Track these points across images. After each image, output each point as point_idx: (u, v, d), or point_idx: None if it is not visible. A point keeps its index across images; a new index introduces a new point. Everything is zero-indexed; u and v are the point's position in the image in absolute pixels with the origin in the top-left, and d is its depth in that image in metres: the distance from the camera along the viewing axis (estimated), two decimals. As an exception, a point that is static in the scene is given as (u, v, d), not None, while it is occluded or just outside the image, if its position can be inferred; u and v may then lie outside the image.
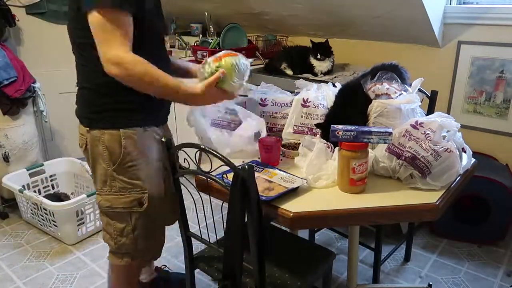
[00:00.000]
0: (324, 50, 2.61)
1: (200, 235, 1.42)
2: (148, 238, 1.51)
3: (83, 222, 2.46)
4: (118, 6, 1.19)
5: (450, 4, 2.42)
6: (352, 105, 1.51)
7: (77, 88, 1.43)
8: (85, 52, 1.33)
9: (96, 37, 1.22)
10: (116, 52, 1.21)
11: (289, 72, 2.71)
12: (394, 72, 1.55)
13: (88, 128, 1.39)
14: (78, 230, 2.43)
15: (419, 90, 1.71)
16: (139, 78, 1.25)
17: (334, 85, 1.78)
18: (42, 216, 2.46)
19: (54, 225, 2.41)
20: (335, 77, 2.58)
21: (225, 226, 1.17)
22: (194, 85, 1.36)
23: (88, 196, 2.39)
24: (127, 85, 1.27)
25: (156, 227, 1.54)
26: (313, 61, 2.62)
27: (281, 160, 1.52)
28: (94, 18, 1.20)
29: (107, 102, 1.35)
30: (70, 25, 1.38)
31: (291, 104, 1.71)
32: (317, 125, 1.55)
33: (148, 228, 1.49)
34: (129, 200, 1.42)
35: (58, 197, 2.69)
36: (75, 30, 1.35)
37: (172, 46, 3.55)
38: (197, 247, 1.53)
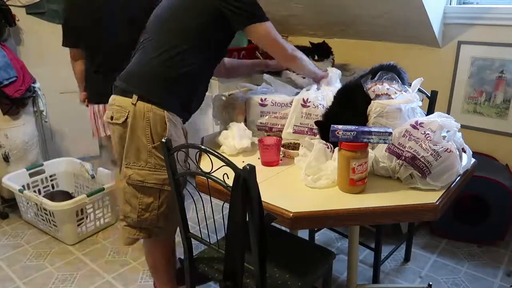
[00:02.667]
0: (322, 51, 2.61)
1: (200, 235, 1.42)
2: (168, 218, 1.59)
3: (83, 222, 2.46)
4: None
5: (450, 4, 2.42)
6: (350, 105, 1.51)
7: (141, 59, 1.55)
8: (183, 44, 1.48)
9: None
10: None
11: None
12: (392, 72, 1.55)
13: (133, 101, 1.47)
14: (78, 230, 2.43)
15: (419, 90, 1.71)
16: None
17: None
18: (42, 216, 2.46)
19: (54, 225, 2.41)
20: (335, 77, 2.57)
21: (225, 226, 1.17)
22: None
23: (88, 196, 2.39)
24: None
25: (176, 210, 1.57)
26: (312, 62, 2.62)
27: (281, 160, 1.52)
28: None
29: (173, 85, 1.49)
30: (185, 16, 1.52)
31: (291, 104, 1.71)
32: (316, 123, 1.55)
33: (171, 209, 1.55)
34: (162, 177, 1.50)
35: (67, 193, 2.72)
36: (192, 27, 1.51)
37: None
38: (197, 247, 1.53)
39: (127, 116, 1.49)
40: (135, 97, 1.48)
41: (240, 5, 1.46)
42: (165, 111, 1.48)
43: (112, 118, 1.56)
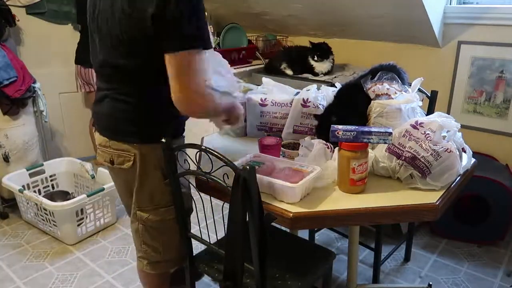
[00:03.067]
0: (322, 51, 2.62)
1: (200, 235, 1.42)
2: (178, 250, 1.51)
3: (83, 222, 2.46)
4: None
5: (450, 4, 2.42)
6: (350, 104, 1.51)
7: (107, 99, 1.34)
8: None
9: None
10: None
11: (289, 72, 2.71)
12: (392, 72, 1.55)
13: (137, 144, 1.32)
14: (78, 230, 2.43)
15: (419, 90, 1.71)
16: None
17: (334, 85, 1.78)
18: (42, 216, 2.46)
19: (54, 225, 2.41)
20: (335, 77, 2.58)
21: (225, 226, 1.17)
22: None
23: (88, 196, 2.39)
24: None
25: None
26: (312, 62, 2.63)
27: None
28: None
29: (160, 118, 1.33)
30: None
31: (291, 104, 1.71)
32: (316, 116, 1.55)
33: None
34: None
35: (66, 193, 2.72)
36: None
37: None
38: (197, 247, 1.53)
39: (133, 160, 1.33)
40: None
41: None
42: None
43: (113, 162, 1.38)
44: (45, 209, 2.39)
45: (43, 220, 2.47)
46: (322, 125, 1.52)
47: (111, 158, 1.37)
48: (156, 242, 1.45)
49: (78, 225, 2.43)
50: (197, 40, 1.15)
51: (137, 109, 1.30)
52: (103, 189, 2.46)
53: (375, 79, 1.52)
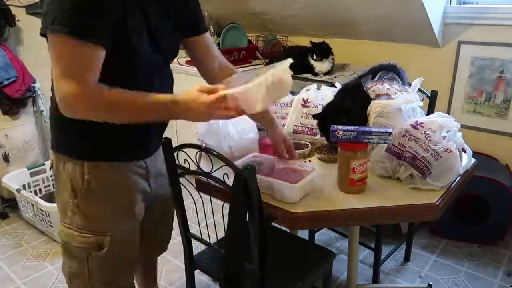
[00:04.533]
0: (321, 51, 2.62)
1: (200, 235, 1.42)
2: (108, 283, 1.30)
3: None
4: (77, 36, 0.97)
5: (450, 4, 2.42)
6: (350, 102, 1.51)
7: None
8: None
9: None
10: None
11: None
12: (392, 72, 1.55)
13: (53, 151, 1.22)
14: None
15: (419, 90, 1.71)
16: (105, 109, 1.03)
17: (334, 85, 1.78)
18: (39, 216, 2.46)
19: (50, 225, 2.41)
20: (335, 77, 2.58)
21: (225, 226, 1.17)
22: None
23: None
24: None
25: (120, 272, 1.33)
26: (312, 62, 2.62)
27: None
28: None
29: (73, 127, 1.12)
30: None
31: (291, 104, 1.71)
32: (314, 116, 1.54)
33: (109, 273, 1.28)
34: (88, 240, 1.21)
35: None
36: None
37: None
38: (197, 247, 1.53)
39: (51, 165, 1.26)
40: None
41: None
42: (84, 161, 1.16)
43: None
44: (41, 210, 2.38)
45: (41, 220, 2.47)
46: (324, 121, 1.50)
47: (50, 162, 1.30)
48: (64, 264, 1.30)
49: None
50: (55, 22, 0.98)
51: (52, 112, 1.18)
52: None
53: (375, 79, 1.52)
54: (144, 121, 1.08)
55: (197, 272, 1.58)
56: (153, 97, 1.04)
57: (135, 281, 1.51)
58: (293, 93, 1.82)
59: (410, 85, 1.59)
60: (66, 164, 1.18)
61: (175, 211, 1.45)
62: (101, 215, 1.21)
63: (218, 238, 1.55)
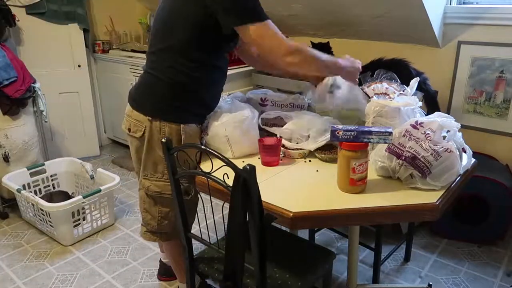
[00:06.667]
0: (321, 51, 2.61)
1: (200, 235, 1.42)
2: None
3: (80, 223, 2.46)
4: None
5: (450, 4, 2.42)
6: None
7: (144, 72, 1.55)
8: (187, 51, 1.44)
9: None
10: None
11: (289, 72, 2.71)
12: (395, 69, 1.55)
13: (150, 118, 1.49)
14: (74, 231, 2.42)
15: (419, 90, 1.71)
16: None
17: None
18: (39, 216, 2.46)
19: (51, 225, 2.41)
20: (335, 77, 2.58)
21: (225, 226, 1.17)
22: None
23: (84, 197, 2.38)
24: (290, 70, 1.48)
25: (192, 214, 1.64)
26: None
27: (281, 160, 1.52)
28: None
29: (178, 98, 1.48)
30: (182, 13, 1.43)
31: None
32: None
33: (190, 212, 1.56)
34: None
35: (66, 194, 2.71)
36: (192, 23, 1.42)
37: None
38: (197, 247, 1.53)
39: (144, 131, 1.52)
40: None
41: (229, 4, 1.36)
42: (180, 125, 1.50)
43: (130, 130, 1.57)
44: (41, 210, 2.39)
45: (41, 220, 2.47)
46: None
47: (129, 126, 1.57)
48: (154, 211, 1.61)
49: (75, 226, 2.42)
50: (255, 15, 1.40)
51: (158, 86, 1.48)
52: (99, 190, 2.45)
53: (374, 77, 1.53)
54: (320, 72, 1.59)
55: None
56: (330, 57, 1.52)
57: None
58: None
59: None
60: (163, 129, 1.49)
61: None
62: (189, 167, 1.40)
63: (218, 238, 1.55)
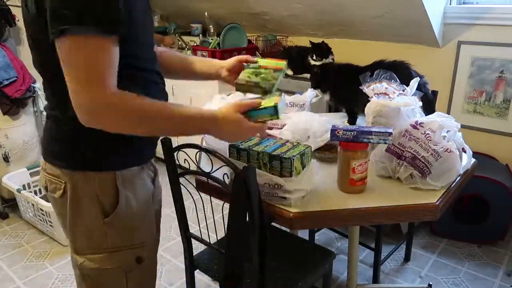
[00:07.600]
0: (320, 51, 2.61)
1: (200, 235, 1.42)
2: None
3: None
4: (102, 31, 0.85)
5: (450, 4, 2.42)
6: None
7: (45, 115, 1.08)
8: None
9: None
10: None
11: (289, 72, 2.71)
12: (394, 70, 1.55)
13: (68, 170, 1.03)
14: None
15: (419, 89, 1.71)
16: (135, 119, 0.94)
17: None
18: (39, 216, 2.45)
19: (51, 225, 2.41)
20: (335, 77, 2.57)
21: (225, 226, 1.17)
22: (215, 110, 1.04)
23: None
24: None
25: (153, 282, 1.23)
26: (312, 62, 2.62)
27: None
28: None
29: (97, 136, 0.96)
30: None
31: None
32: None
33: (147, 286, 1.19)
34: (125, 257, 1.08)
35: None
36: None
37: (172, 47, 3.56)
38: (197, 247, 1.53)
39: (63, 188, 1.04)
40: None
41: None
42: (116, 171, 1.03)
43: (46, 188, 1.10)
44: (41, 210, 2.38)
45: (41, 220, 2.47)
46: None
47: (45, 183, 1.10)
48: None
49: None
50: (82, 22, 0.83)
51: (66, 125, 1.00)
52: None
53: (374, 77, 1.52)
54: (173, 133, 1.08)
55: (197, 272, 1.58)
56: (186, 108, 0.99)
57: None
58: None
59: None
60: (90, 182, 1.02)
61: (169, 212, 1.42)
62: (139, 224, 1.09)
63: (218, 238, 1.55)
